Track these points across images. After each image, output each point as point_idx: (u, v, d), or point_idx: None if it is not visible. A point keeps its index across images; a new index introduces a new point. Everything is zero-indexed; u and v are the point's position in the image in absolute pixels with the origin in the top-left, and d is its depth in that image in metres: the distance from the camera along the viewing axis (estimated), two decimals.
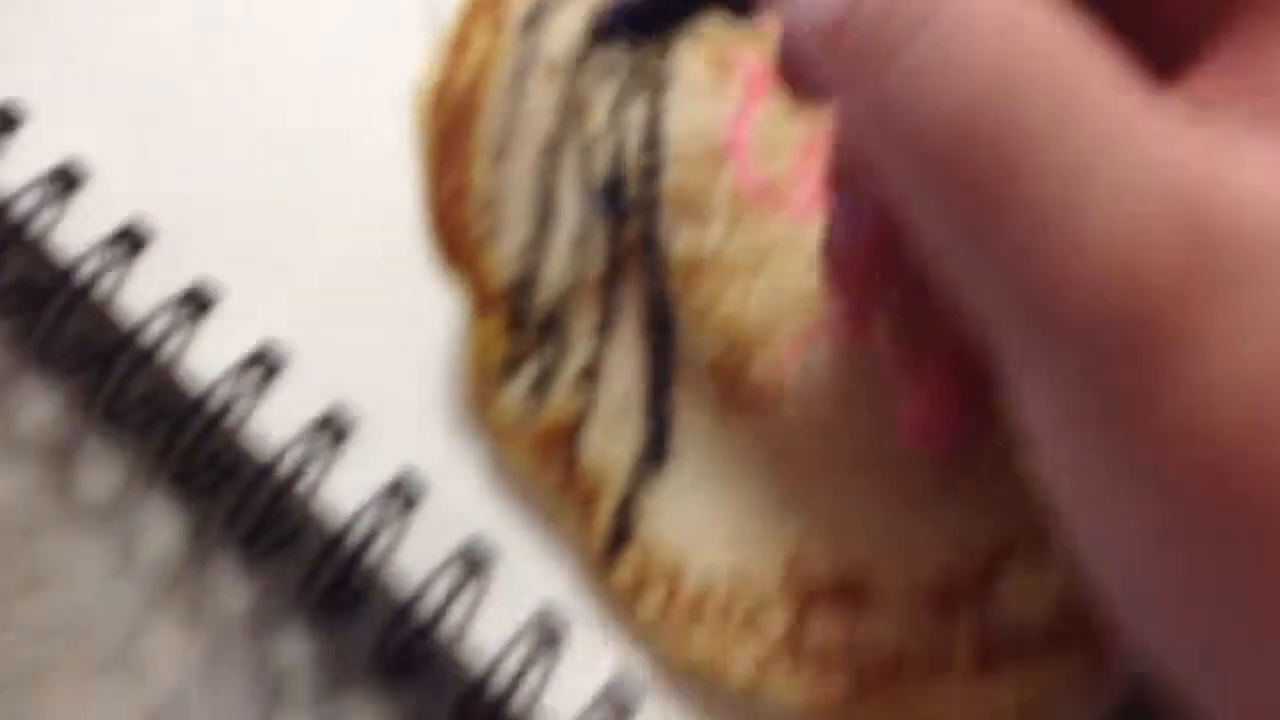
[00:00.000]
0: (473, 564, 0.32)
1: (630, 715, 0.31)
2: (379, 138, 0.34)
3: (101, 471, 0.35)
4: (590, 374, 0.32)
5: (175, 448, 0.34)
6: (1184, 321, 0.18)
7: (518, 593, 0.32)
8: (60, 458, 0.36)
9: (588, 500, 0.31)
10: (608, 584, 0.31)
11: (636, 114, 0.31)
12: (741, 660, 0.30)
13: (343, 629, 0.34)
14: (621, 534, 0.31)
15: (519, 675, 0.31)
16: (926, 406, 0.28)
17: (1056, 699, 0.30)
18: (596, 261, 0.32)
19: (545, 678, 0.31)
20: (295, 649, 0.34)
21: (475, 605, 0.32)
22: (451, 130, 0.32)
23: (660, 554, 0.31)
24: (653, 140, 0.31)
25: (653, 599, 0.31)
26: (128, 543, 0.35)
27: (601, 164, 0.31)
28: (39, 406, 0.36)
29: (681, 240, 0.31)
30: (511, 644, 0.31)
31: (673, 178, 0.31)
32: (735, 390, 0.31)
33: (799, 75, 0.25)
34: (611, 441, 0.31)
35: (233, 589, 0.35)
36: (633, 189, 0.31)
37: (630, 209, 0.31)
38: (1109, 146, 0.19)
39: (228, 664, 0.34)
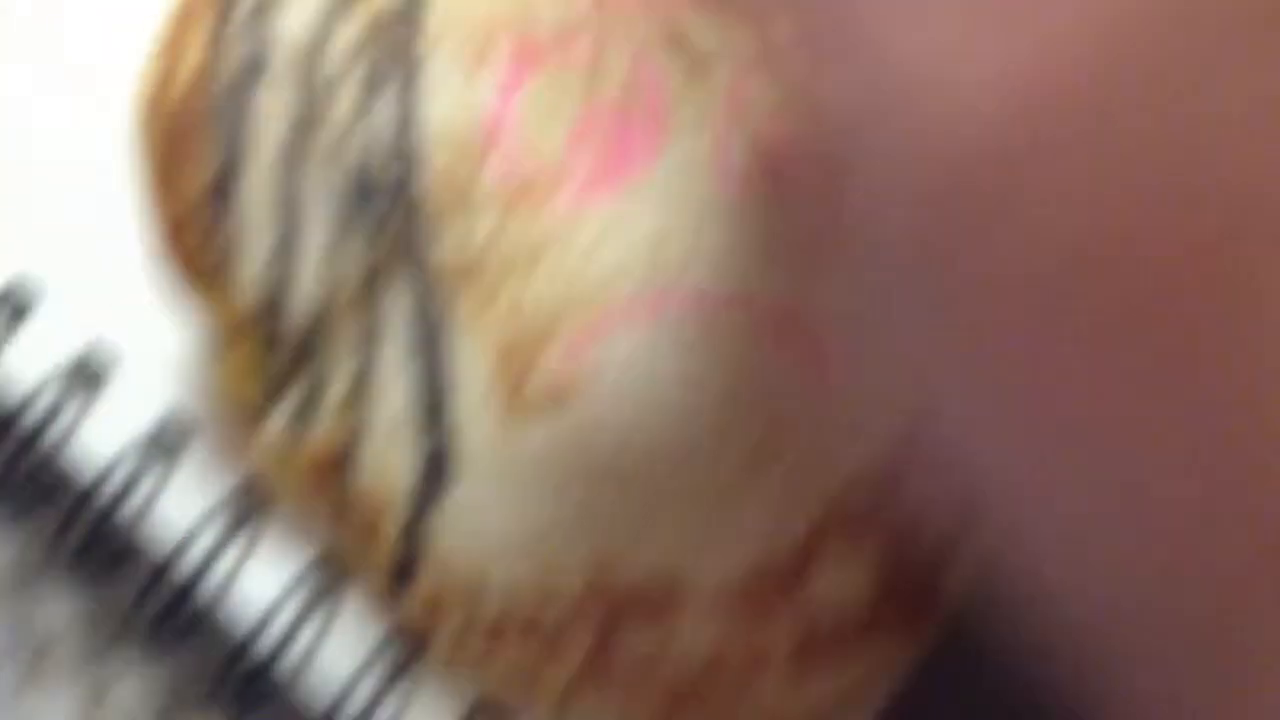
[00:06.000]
0: (242, 514, 0.31)
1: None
2: None
3: None
4: (358, 394, 0.29)
5: None
6: None
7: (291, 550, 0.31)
8: None
9: (368, 531, 0.29)
10: (399, 615, 0.30)
11: (387, 100, 0.28)
12: (548, 681, 0.28)
13: (107, 588, 0.33)
14: (409, 561, 0.29)
15: (290, 632, 0.31)
16: None
17: (877, 679, 0.29)
18: (353, 271, 0.29)
19: (319, 637, 0.31)
20: (59, 609, 0.33)
21: (244, 557, 0.31)
22: (170, 146, 0.28)
23: (457, 574, 0.29)
24: (406, 129, 0.28)
25: (452, 623, 0.29)
26: None
27: (351, 160, 0.28)
28: None
29: (447, 241, 0.28)
30: (280, 602, 0.31)
31: (430, 172, 0.28)
32: (523, 391, 0.28)
33: None
34: (388, 464, 0.29)
35: None
36: (387, 187, 0.28)
37: (387, 209, 0.28)
38: None
39: None
